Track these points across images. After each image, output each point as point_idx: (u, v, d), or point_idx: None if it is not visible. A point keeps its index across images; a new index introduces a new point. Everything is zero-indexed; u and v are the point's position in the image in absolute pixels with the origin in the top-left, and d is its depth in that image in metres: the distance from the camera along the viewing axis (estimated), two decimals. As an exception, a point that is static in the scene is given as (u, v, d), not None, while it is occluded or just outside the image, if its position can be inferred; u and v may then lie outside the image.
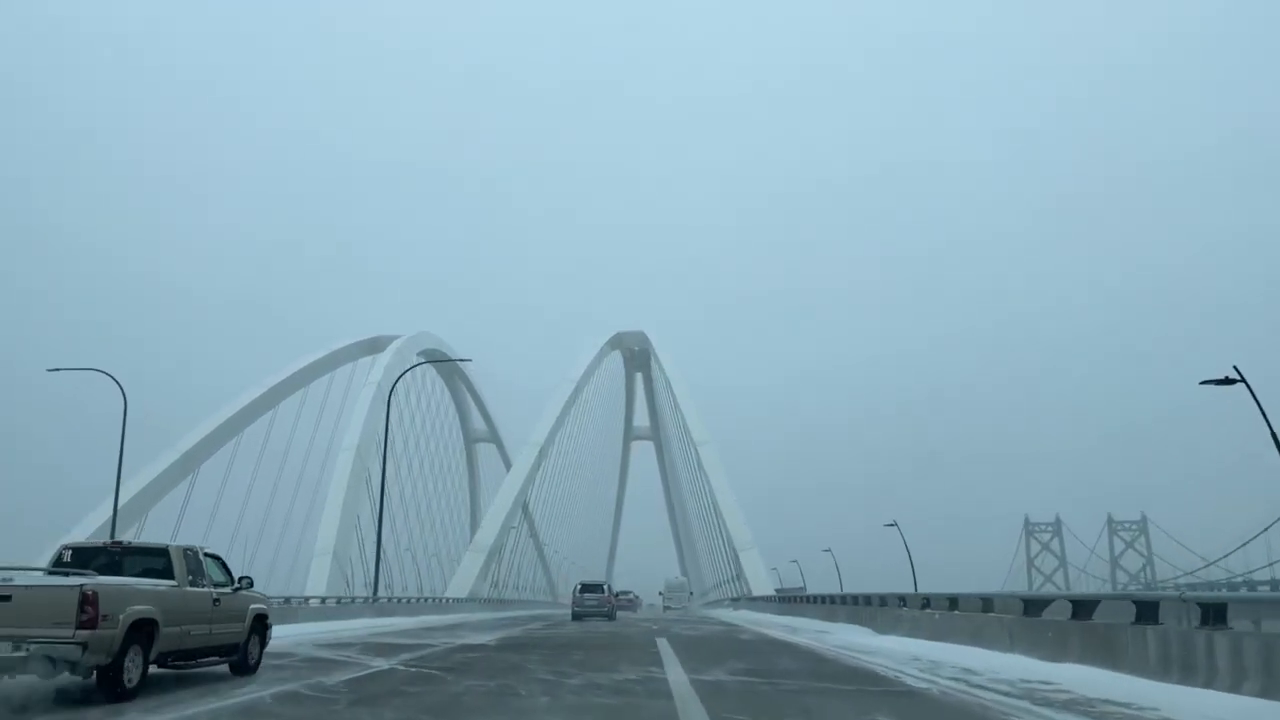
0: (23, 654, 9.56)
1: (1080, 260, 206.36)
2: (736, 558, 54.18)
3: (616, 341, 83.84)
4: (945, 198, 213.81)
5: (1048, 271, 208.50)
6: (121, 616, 10.12)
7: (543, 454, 59.74)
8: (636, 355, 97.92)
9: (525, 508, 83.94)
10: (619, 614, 44.96)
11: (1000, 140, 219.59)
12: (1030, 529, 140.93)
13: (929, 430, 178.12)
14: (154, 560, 11.95)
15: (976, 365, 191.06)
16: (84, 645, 9.67)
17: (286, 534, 57.06)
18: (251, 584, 13.73)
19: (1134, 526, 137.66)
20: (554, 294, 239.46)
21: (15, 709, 9.62)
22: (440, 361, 76.05)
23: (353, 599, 37.28)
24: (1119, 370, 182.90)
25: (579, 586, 44.28)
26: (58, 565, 11.45)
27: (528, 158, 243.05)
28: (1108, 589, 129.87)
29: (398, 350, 70.45)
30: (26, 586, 10.05)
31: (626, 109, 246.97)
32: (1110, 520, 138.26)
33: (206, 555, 12.79)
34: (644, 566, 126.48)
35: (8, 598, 9.77)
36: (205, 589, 12.23)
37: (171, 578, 11.64)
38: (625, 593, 63.16)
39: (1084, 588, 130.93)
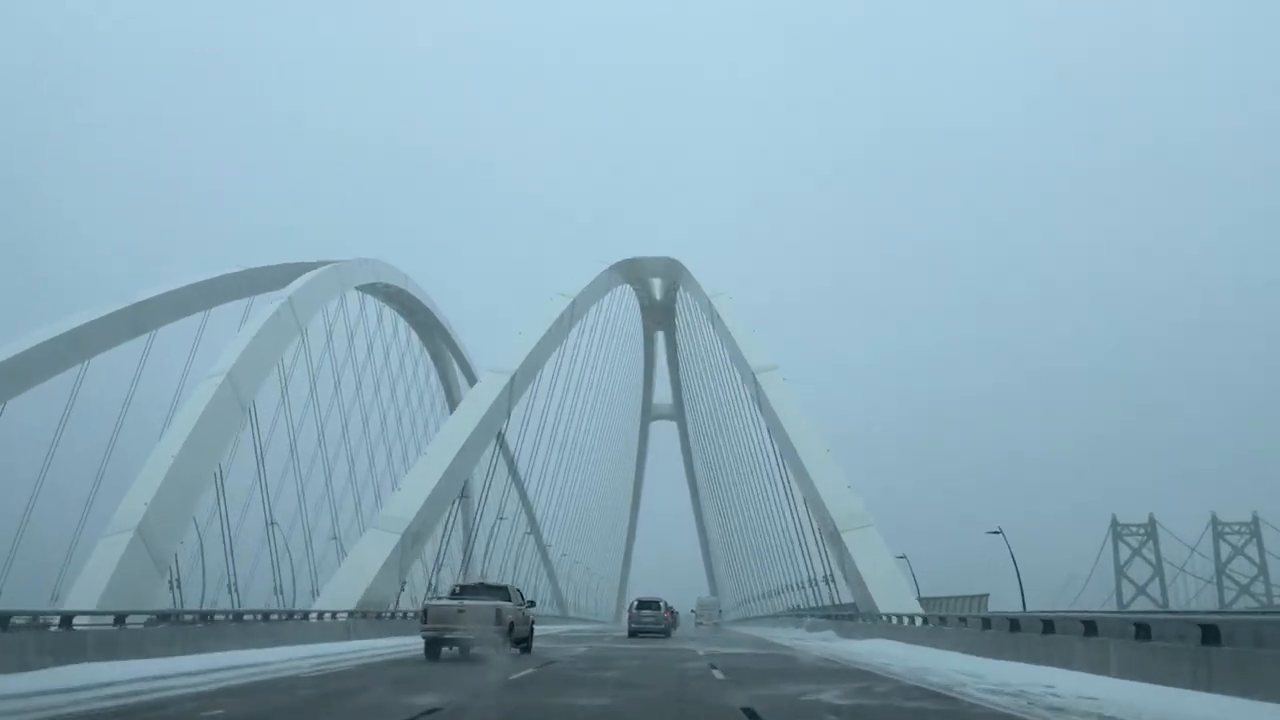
0: (471, 638, 20.70)
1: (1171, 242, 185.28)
2: (839, 543, 33.49)
3: (631, 271, 62.24)
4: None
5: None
6: (508, 619, 21.41)
7: (513, 385, 39.28)
8: (658, 305, 78.18)
9: (519, 482, 65.03)
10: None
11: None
12: (1118, 531, 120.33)
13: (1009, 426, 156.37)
14: (499, 590, 23.73)
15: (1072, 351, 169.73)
16: (499, 633, 20.86)
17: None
18: (534, 604, 27.49)
19: (1244, 529, 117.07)
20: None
21: (466, 659, 19.82)
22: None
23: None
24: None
25: (635, 603, 47.08)
26: (452, 595, 23.63)
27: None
28: (1211, 600, 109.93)
29: (334, 270, 51.57)
30: (470, 604, 21.67)
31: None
32: (1214, 521, 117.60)
33: (515, 589, 25.16)
34: (664, 571, 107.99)
35: (463, 610, 21.29)
36: (520, 605, 23.71)
37: (508, 599, 22.79)
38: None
39: (1178, 601, 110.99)
